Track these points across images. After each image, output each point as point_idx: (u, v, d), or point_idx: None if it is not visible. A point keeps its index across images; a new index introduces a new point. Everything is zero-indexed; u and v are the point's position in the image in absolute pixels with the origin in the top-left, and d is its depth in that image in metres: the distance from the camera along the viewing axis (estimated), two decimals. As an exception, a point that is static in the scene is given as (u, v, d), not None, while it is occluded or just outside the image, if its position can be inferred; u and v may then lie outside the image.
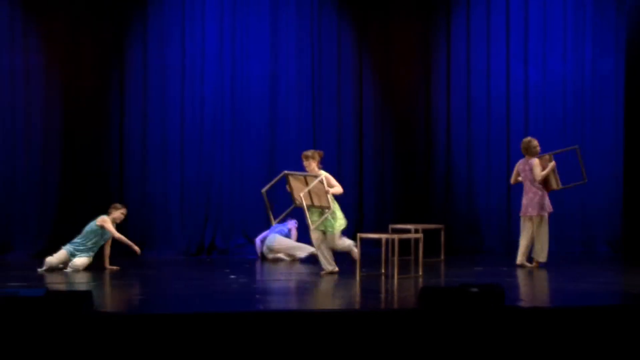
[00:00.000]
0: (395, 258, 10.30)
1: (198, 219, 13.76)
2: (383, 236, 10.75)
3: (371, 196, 14.21)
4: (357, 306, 8.77)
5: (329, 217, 10.67)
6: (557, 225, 13.51)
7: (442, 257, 12.59)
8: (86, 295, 7.20)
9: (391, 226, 12.45)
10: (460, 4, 14.28)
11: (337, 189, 10.81)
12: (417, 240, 11.00)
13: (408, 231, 11.89)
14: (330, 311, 7.95)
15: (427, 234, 11.92)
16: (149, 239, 13.58)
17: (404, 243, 10.97)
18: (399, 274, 10.30)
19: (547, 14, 14.17)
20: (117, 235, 11.33)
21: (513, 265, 11.72)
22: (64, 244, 11.32)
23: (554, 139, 13.88)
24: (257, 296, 9.10)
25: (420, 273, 10.70)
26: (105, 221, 11.27)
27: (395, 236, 10.56)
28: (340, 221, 10.83)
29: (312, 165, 10.97)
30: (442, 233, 12.53)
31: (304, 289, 9.93)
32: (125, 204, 11.78)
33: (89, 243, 11.28)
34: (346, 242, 11.04)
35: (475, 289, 7.29)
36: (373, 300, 9.08)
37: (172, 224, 13.70)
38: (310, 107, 14.11)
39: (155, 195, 13.70)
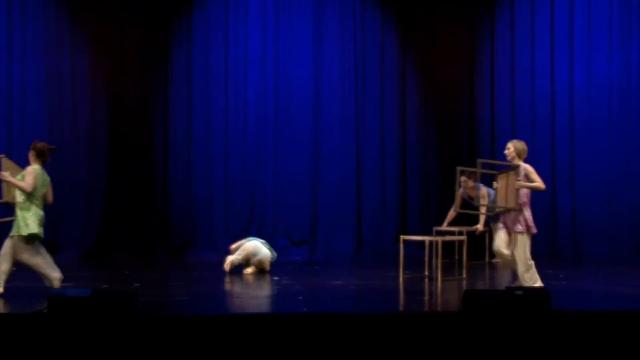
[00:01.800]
0: (439, 260, 10.25)
1: (241, 221, 13.81)
2: (426, 238, 10.69)
3: (415, 198, 14.18)
4: (400, 308, 8.74)
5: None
6: (607, 226, 13.40)
7: (487, 259, 12.51)
8: (131, 296, 7.25)
9: (435, 228, 12.40)
10: (504, 5, 14.21)
11: None
12: (460, 242, 10.93)
13: (452, 233, 11.82)
14: (373, 313, 7.93)
15: (471, 236, 11.84)
16: (193, 241, 13.68)
17: (447, 245, 10.90)
18: (442, 276, 10.25)
19: (592, 15, 14.03)
20: None
21: (559, 268, 11.61)
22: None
23: (600, 139, 13.74)
24: (300, 298, 9.10)
25: (464, 276, 10.64)
26: None
27: (439, 238, 10.51)
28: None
29: None
30: (487, 235, 12.44)
31: (348, 291, 9.91)
32: None
33: None
34: None
35: (520, 292, 7.23)
36: (416, 303, 9.03)
37: (215, 226, 13.77)
38: (353, 109, 14.11)
39: (199, 197, 13.77)
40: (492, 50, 14.21)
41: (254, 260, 11.23)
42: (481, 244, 12.54)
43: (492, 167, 11.57)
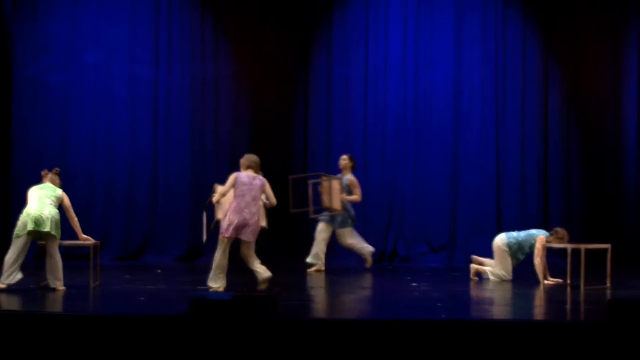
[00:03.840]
0: (582, 268, 10.01)
1: (380, 226, 13.83)
2: (569, 246, 10.45)
3: (556, 204, 13.92)
4: (541, 317, 8.58)
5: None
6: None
7: (632, 267, 12.16)
8: (271, 300, 7.35)
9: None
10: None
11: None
12: (605, 250, 10.64)
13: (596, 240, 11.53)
14: (512, 321, 7.81)
15: (615, 243, 11.52)
16: (333, 246, 13.75)
17: (591, 253, 10.62)
18: (585, 284, 10.00)
19: None
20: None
21: None
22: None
23: None
24: (439, 304, 9.04)
25: (608, 284, 10.35)
26: None
27: (582, 246, 10.27)
28: None
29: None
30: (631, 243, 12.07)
31: (487, 298, 9.79)
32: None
33: None
34: None
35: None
36: (558, 312, 8.85)
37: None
38: (493, 114, 13.95)
39: (338, 203, 13.84)
40: (638, 56, 13.79)
41: None
42: (627, 251, 12.18)
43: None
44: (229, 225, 9.51)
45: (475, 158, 13.88)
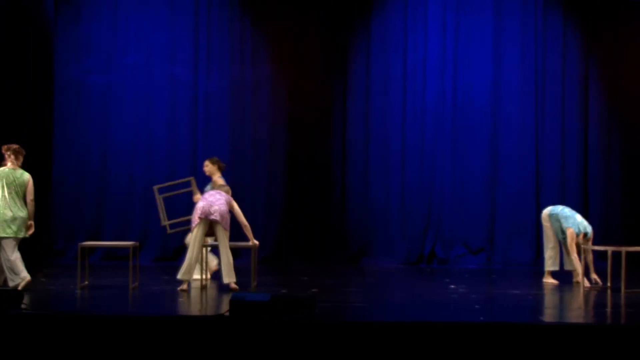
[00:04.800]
0: (623, 271, 9.92)
1: (418, 228, 13.79)
2: (609, 248, 10.36)
3: (596, 206, 13.78)
4: (581, 320, 8.51)
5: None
6: None
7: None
8: (309, 301, 7.37)
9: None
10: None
11: None
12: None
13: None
14: (552, 324, 7.76)
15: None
16: (370, 247, 13.77)
17: (632, 256, 10.51)
18: (626, 288, 9.91)
19: None
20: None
21: None
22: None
23: None
24: (477, 307, 9.00)
25: (650, 287, 10.25)
26: None
27: (623, 248, 10.18)
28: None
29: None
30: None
31: (526, 301, 9.73)
32: None
33: None
34: None
35: None
36: (598, 315, 8.77)
37: (392, 232, 13.80)
38: (532, 115, 13.86)
39: (376, 204, 13.84)
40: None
41: None
42: None
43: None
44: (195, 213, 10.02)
45: (514, 159, 13.79)
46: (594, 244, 11.05)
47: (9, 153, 9.68)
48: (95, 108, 13.73)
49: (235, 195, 10.51)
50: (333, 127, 13.94)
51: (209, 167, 11.06)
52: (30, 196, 9.62)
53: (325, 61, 13.90)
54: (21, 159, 9.72)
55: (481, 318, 8.28)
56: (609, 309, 9.08)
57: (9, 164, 9.65)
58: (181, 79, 13.80)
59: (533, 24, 13.88)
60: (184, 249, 13.62)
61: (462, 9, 13.89)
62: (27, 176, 9.64)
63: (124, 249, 10.76)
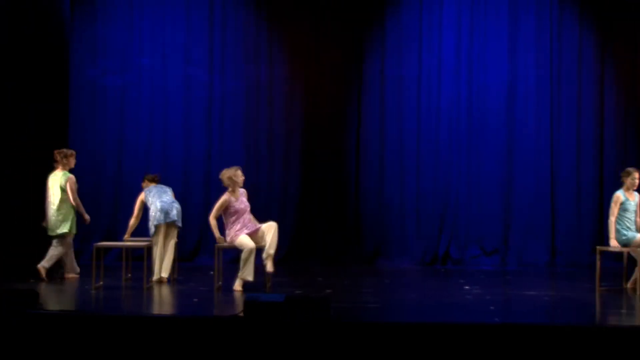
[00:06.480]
0: (637, 272, 9.88)
1: (433, 229, 13.77)
2: (624, 249, 10.33)
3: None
4: (596, 322, 8.49)
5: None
6: None
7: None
8: (324, 302, 7.37)
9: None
10: None
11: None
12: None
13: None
14: (567, 325, 7.74)
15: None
16: (385, 248, 13.76)
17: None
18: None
19: None
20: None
21: None
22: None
23: None
24: (492, 308, 8.99)
25: (666, 289, 10.21)
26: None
27: (638, 249, 10.13)
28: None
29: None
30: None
31: (541, 302, 9.70)
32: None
33: None
34: None
35: None
36: (613, 317, 8.75)
37: (407, 233, 13.79)
38: (548, 117, 13.82)
39: (391, 204, 13.83)
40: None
41: None
42: None
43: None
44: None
45: (529, 161, 13.75)
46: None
47: (59, 157, 10.94)
48: (110, 109, 13.78)
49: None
50: (348, 128, 13.94)
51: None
52: (71, 195, 10.93)
53: (340, 62, 13.90)
54: (67, 161, 11.06)
55: (496, 319, 8.27)
56: (624, 311, 9.05)
57: (60, 167, 10.98)
58: (196, 80, 13.85)
59: (548, 24, 13.84)
60: (198, 249, 13.69)
61: (476, 9, 13.87)
62: (65, 177, 10.88)
63: (139, 249, 10.80)
